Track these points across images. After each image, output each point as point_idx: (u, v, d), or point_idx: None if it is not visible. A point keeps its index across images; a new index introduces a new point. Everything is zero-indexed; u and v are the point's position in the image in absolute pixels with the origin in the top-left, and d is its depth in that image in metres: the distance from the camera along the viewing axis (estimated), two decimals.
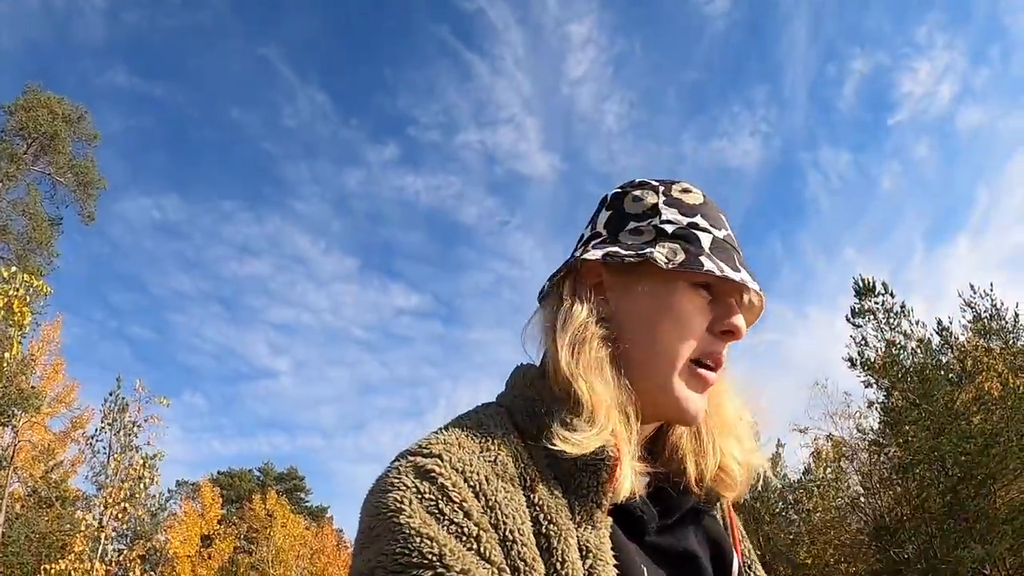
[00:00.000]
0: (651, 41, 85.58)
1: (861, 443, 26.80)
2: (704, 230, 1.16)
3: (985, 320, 27.99)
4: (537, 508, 0.98)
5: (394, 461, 0.98)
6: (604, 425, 1.02)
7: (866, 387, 26.32)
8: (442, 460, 0.95)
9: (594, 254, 1.15)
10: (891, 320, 26.25)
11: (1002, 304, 28.23)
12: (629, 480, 1.03)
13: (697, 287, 1.13)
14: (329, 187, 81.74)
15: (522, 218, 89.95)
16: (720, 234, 1.17)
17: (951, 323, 27.43)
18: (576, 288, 1.16)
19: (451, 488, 0.92)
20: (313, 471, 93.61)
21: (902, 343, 25.87)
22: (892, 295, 26.65)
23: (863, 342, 26.37)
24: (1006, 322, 28.23)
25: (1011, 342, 27.15)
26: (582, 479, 1.02)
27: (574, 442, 0.99)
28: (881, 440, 25.55)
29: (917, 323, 26.41)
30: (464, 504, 0.91)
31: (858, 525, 26.02)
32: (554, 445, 1.00)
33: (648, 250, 1.12)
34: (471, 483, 0.94)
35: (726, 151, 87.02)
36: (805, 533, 27.63)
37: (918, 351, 25.88)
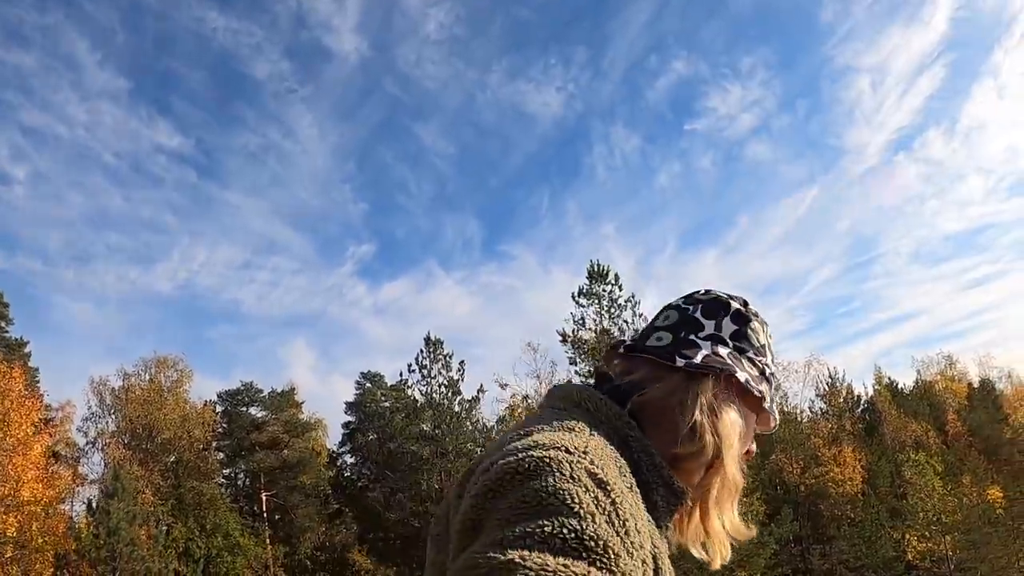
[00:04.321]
0: None
1: None
2: (770, 373, 1.49)
3: None
4: (652, 537, 1.17)
5: (552, 451, 1.09)
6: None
7: (571, 364, 27.56)
8: (606, 472, 1.08)
9: (743, 376, 1.42)
10: (613, 310, 27.74)
11: None
12: (691, 491, 1.36)
13: (749, 418, 1.46)
14: None
15: (311, 92, 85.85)
16: (771, 369, 1.50)
17: None
18: (726, 395, 1.41)
19: (619, 504, 1.04)
20: (23, 297, 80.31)
21: (616, 334, 27.36)
22: (620, 287, 28.48)
23: (581, 321, 27.87)
24: None
25: None
26: (660, 495, 1.30)
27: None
28: None
29: (640, 316, 28.20)
30: (626, 523, 1.03)
31: None
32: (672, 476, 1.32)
33: (753, 384, 1.43)
34: (628, 502, 1.08)
35: (528, 96, 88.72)
36: None
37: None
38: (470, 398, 32.10)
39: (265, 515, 42.62)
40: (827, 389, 50.31)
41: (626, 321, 28.34)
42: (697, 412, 1.37)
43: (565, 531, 0.95)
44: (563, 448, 1.11)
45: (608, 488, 1.06)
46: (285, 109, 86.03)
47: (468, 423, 31.86)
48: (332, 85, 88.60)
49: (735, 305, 1.54)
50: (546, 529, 0.95)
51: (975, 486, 40.72)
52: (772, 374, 1.51)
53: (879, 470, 42.08)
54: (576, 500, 1.00)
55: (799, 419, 47.38)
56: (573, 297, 28.21)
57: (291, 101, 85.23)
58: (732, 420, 1.40)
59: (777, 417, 1.50)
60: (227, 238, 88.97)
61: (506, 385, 28.87)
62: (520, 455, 1.09)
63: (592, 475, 1.06)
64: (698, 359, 1.42)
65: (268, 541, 39.26)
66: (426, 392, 31.76)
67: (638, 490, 1.22)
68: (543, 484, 1.02)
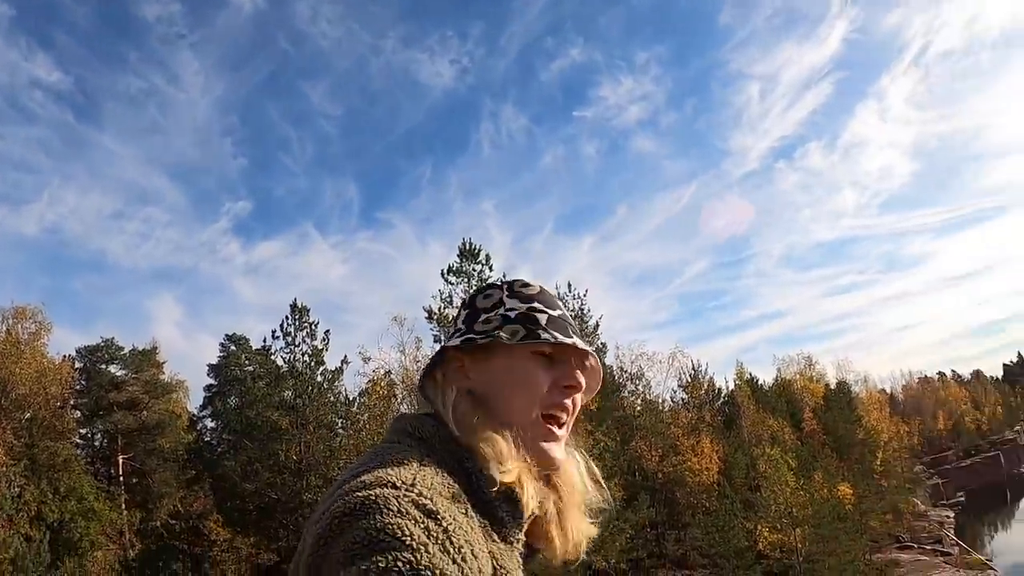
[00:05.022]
0: None
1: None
2: (541, 311, 1.53)
3: (571, 317, 30.68)
4: (494, 557, 1.27)
5: (377, 489, 1.16)
6: (511, 464, 1.38)
7: (435, 341, 27.74)
8: (435, 502, 1.17)
9: (453, 342, 1.53)
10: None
11: (588, 311, 31.15)
12: (533, 500, 1.40)
13: (538, 356, 1.50)
14: None
15: (200, 38, 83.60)
16: (555, 313, 1.55)
17: None
18: (446, 372, 1.53)
19: (452, 531, 1.13)
20: None
21: None
22: (491, 268, 28.89)
23: (449, 299, 28.07)
24: (587, 327, 31.13)
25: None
26: (504, 511, 1.37)
27: (502, 471, 1.35)
28: None
29: None
30: (462, 549, 1.12)
31: None
32: (493, 482, 1.35)
33: (496, 332, 1.50)
34: (462, 528, 1.17)
35: (421, 65, 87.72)
36: (349, 448, 28.58)
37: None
38: (333, 369, 31.83)
39: (121, 479, 41.28)
40: (689, 381, 51.12)
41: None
42: (448, 401, 1.47)
43: (400, 564, 1.03)
44: (389, 484, 1.18)
45: (438, 517, 1.14)
46: (172, 54, 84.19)
47: (330, 394, 31.59)
48: (223, 34, 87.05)
49: (465, 298, 1.68)
50: (380, 565, 1.03)
51: (826, 483, 42.11)
52: (522, 313, 1.53)
53: (735, 462, 43.06)
54: (406, 533, 1.07)
55: (661, 408, 48.22)
56: (443, 274, 28.37)
57: (179, 46, 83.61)
58: (448, 394, 1.48)
59: (560, 337, 1.49)
60: (99, 184, 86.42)
61: (369, 358, 28.76)
62: (347, 498, 1.15)
63: (420, 506, 1.14)
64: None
65: (124, 506, 37.93)
66: (289, 360, 31.41)
67: (475, 513, 1.29)
68: (371, 522, 1.09)
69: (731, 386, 57.05)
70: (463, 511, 1.24)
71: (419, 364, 29.09)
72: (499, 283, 1.63)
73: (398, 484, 1.18)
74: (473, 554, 1.15)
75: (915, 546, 54.95)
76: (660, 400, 49.54)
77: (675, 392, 51.59)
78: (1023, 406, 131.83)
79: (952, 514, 70.14)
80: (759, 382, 60.87)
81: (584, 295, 36.82)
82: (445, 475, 1.29)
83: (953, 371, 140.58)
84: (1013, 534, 61.53)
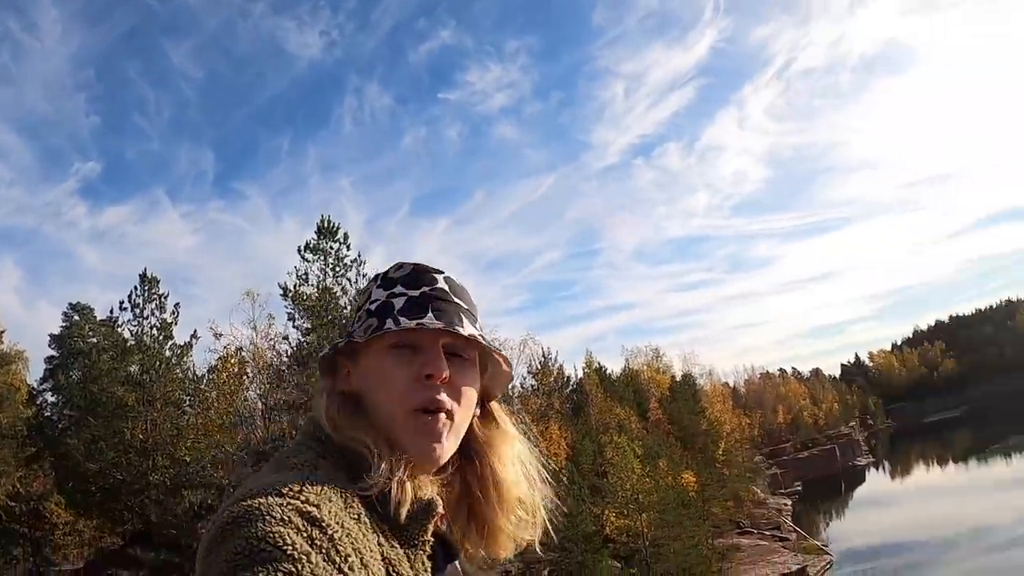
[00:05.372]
0: None
1: (269, 368, 27.77)
2: (400, 295, 1.44)
3: None
4: (390, 563, 1.20)
5: (261, 497, 1.12)
6: (386, 468, 1.29)
7: (289, 319, 27.27)
8: (321, 509, 1.12)
9: (326, 348, 1.48)
10: (338, 268, 27.55)
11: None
12: (406, 503, 1.28)
13: (398, 348, 1.40)
14: None
15: None
16: (415, 293, 1.44)
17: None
18: (332, 380, 1.48)
19: (338, 540, 1.10)
20: None
21: (339, 293, 27.27)
22: (348, 247, 28.25)
23: (305, 277, 27.48)
24: None
25: None
26: (408, 526, 1.28)
27: (373, 482, 1.26)
28: (285, 372, 26.87)
29: (364, 276, 28.17)
30: (349, 558, 1.09)
31: (243, 442, 26.94)
32: (376, 490, 1.26)
33: (353, 332, 1.45)
34: (350, 536, 1.13)
35: (289, 33, 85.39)
36: (197, 427, 27.71)
37: (348, 303, 27.58)
38: (183, 344, 30.69)
39: None
40: (539, 368, 51.56)
41: (349, 280, 28.06)
42: (319, 405, 1.43)
43: (280, 574, 1.00)
44: (274, 492, 1.13)
45: (323, 525, 1.10)
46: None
47: (179, 370, 30.44)
48: None
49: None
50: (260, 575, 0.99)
51: (671, 470, 43.33)
52: (380, 303, 1.45)
53: (583, 449, 43.49)
54: (288, 542, 1.03)
55: (511, 394, 48.52)
56: (299, 251, 27.72)
57: None
58: (326, 398, 1.43)
59: (404, 321, 1.39)
60: None
61: (221, 334, 27.97)
62: (233, 507, 1.11)
63: (304, 514, 1.10)
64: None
65: None
66: (137, 333, 30.08)
67: (370, 517, 1.23)
68: (253, 531, 1.05)
69: (580, 374, 57.63)
70: (354, 516, 1.19)
71: (271, 341, 28.61)
72: (379, 273, 1.55)
73: (283, 491, 1.14)
74: (362, 563, 1.11)
75: (755, 532, 56.84)
76: (510, 387, 49.87)
77: (524, 379, 51.94)
78: (858, 404, 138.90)
79: (790, 502, 72.67)
80: (607, 371, 61.85)
81: None
82: (340, 478, 1.25)
83: (794, 368, 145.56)
84: (846, 521, 64.03)
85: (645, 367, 73.19)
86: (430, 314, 1.40)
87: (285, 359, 28.04)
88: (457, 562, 1.45)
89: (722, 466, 64.63)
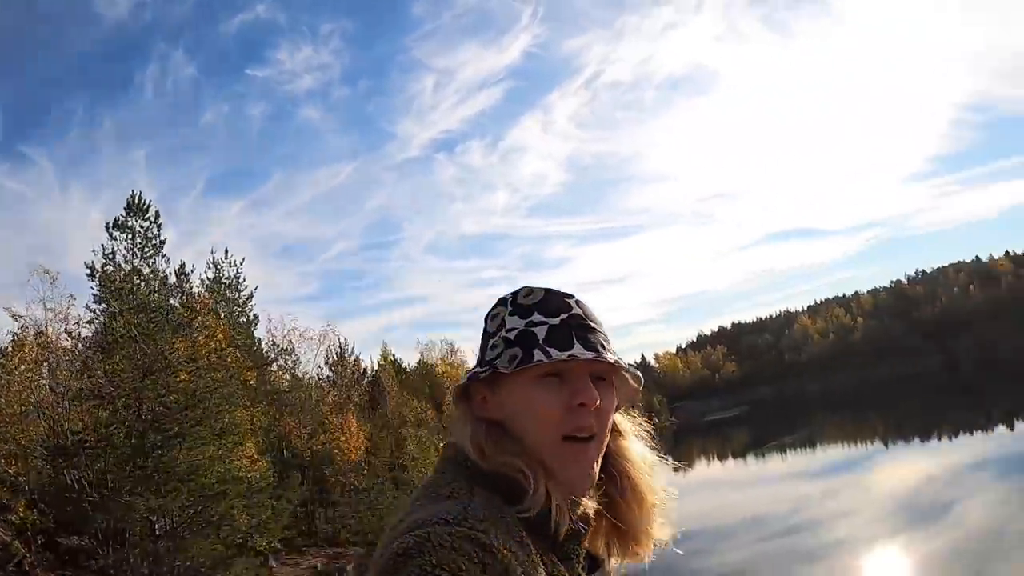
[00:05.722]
0: None
1: (71, 353, 26.22)
2: (540, 323, 1.44)
3: (224, 285, 29.98)
4: None
5: (429, 527, 1.14)
6: (543, 490, 1.32)
7: (96, 301, 26.10)
8: (489, 535, 1.15)
9: (462, 379, 1.48)
10: (147, 248, 26.66)
11: (243, 280, 30.66)
12: (564, 518, 1.33)
13: (545, 377, 1.40)
14: None
15: None
16: (556, 321, 1.44)
17: (192, 272, 28.95)
18: (469, 407, 1.48)
19: (508, 563, 1.12)
20: None
21: (148, 274, 26.43)
22: (160, 226, 27.34)
23: (112, 256, 26.35)
24: (240, 297, 30.65)
25: (236, 315, 29.42)
26: (565, 542, 1.35)
27: (532, 504, 1.30)
28: (90, 359, 25.39)
29: (165, 258, 27.55)
30: None
31: (39, 433, 24.92)
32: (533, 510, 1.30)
33: (496, 361, 1.43)
34: (518, 558, 1.16)
35: None
36: None
37: (157, 287, 26.95)
38: None
39: None
40: (336, 359, 51.30)
41: (162, 260, 27.22)
42: (464, 434, 1.44)
43: None
44: (441, 521, 1.15)
45: (493, 549, 1.12)
46: None
47: None
48: None
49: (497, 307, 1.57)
50: None
51: None
52: (520, 332, 1.45)
53: (381, 441, 43.72)
54: (462, 569, 1.06)
55: (309, 385, 47.98)
56: (107, 228, 26.37)
57: None
58: (473, 426, 1.44)
59: (554, 352, 1.39)
60: None
61: (19, 316, 26.01)
62: (402, 539, 1.13)
63: (474, 540, 1.12)
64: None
65: None
66: None
67: (529, 539, 1.25)
68: (426, 561, 1.07)
69: (376, 366, 58.00)
70: (517, 539, 1.22)
71: (70, 325, 26.81)
72: (505, 298, 1.55)
73: (449, 520, 1.16)
74: None
75: None
76: (307, 377, 49.31)
77: (322, 369, 51.56)
78: (643, 401, 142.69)
79: None
80: (403, 364, 62.20)
81: (241, 263, 36.02)
82: (496, 503, 1.28)
83: None
84: None
85: (440, 361, 73.56)
86: (577, 344, 1.41)
87: (84, 345, 26.51)
88: (601, 571, 1.53)
89: None
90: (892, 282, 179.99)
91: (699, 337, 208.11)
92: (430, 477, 1.41)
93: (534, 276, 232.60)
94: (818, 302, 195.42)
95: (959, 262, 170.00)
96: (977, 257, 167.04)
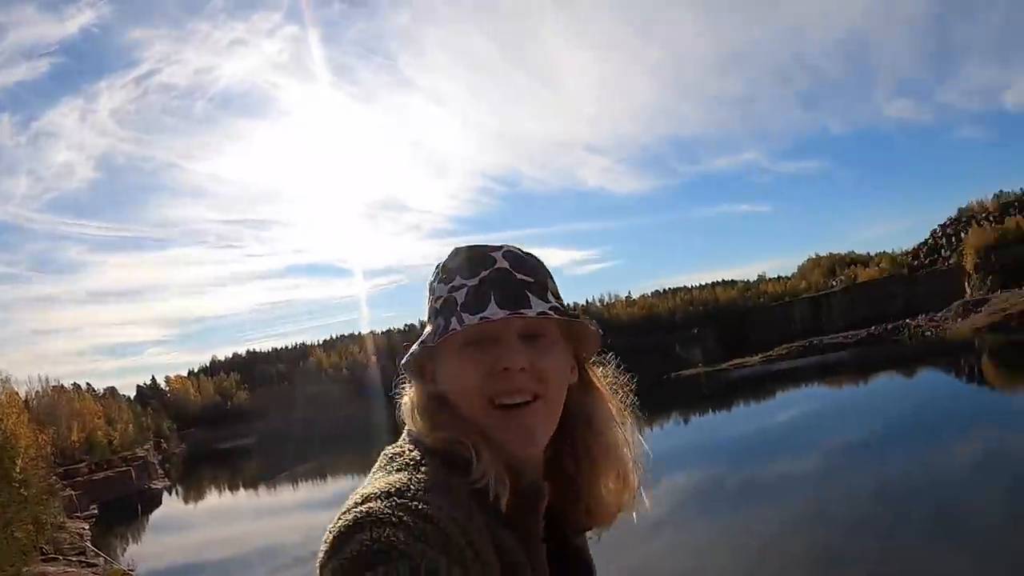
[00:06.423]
0: None
1: None
2: (460, 287, 1.41)
3: None
4: (503, 551, 1.25)
5: (371, 502, 1.16)
6: (486, 460, 1.32)
7: None
8: (431, 506, 1.16)
9: (408, 357, 1.47)
10: None
11: None
12: (502, 487, 1.31)
13: (471, 345, 1.38)
14: None
15: None
16: (474, 282, 1.40)
17: None
18: (423, 382, 1.47)
19: (450, 534, 1.14)
20: None
21: None
22: None
23: None
24: None
25: None
26: (518, 512, 1.34)
27: (478, 475, 1.30)
28: None
29: None
30: (463, 551, 1.14)
31: None
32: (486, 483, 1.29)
33: (425, 336, 1.45)
34: (462, 529, 1.17)
35: None
36: None
37: None
38: None
39: None
40: None
41: None
42: (404, 405, 1.48)
43: (399, 571, 1.04)
44: (383, 495, 1.17)
45: (435, 519, 1.13)
46: None
47: None
48: None
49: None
50: (380, 574, 1.04)
51: None
52: (443, 301, 1.43)
53: None
54: (402, 541, 1.08)
55: None
56: None
57: None
58: (416, 397, 1.45)
59: (467, 317, 1.35)
60: None
61: None
62: (344, 516, 1.15)
63: (416, 512, 1.13)
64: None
65: None
66: None
67: (480, 509, 1.25)
68: (368, 535, 1.09)
69: None
70: (464, 510, 1.21)
71: None
72: (438, 264, 1.50)
73: (392, 492, 1.17)
74: (476, 554, 1.16)
75: (61, 558, 54.20)
76: None
77: None
78: (153, 426, 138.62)
79: (87, 526, 70.41)
80: None
81: None
82: (444, 474, 1.27)
83: (88, 384, 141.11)
84: (146, 544, 63.62)
85: None
86: (492, 303, 1.36)
87: None
88: (581, 539, 1.56)
89: (20, 486, 61.04)
90: (406, 325, 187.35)
91: (213, 362, 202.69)
92: (390, 449, 1.40)
93: (46, 279, 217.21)
94: (333, 337, 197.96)
95: None
96: None
